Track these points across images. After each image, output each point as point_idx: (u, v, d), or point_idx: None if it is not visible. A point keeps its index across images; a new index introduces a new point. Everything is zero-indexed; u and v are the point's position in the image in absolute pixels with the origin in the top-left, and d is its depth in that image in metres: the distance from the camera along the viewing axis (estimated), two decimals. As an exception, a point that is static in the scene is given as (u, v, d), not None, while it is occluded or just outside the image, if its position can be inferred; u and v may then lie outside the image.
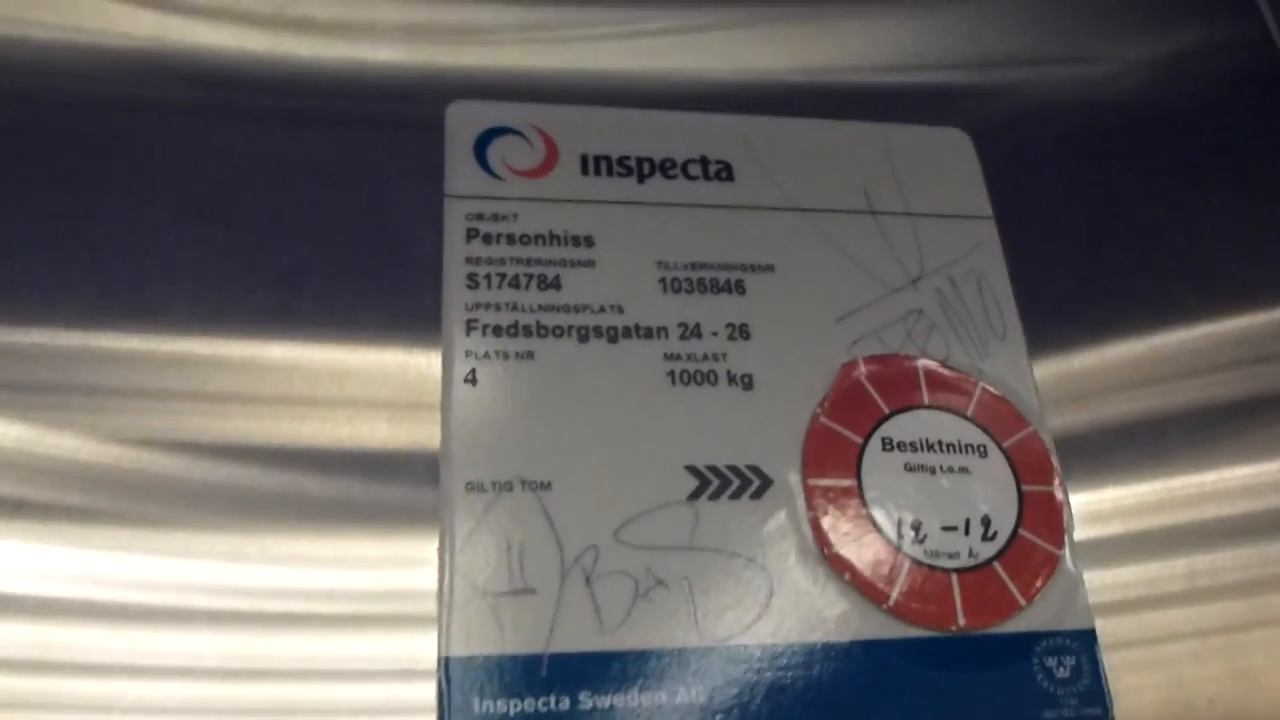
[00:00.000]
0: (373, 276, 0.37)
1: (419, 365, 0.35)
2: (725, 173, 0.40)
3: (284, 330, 0.35)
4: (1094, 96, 0.47)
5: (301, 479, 0.33)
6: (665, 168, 0.40)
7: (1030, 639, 0.34)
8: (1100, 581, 0.36)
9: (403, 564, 0.33)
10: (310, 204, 0.38)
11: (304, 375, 0.35)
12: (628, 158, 0.40)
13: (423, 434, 0.34)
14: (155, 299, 0.35)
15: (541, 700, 0.31)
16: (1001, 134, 0.44)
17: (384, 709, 0.31)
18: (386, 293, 0.36)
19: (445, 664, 0.31)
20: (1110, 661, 0.34)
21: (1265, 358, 0.42)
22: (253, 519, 0.33)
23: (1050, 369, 0.39)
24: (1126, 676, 0.34)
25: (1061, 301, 0.41)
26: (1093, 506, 0.37)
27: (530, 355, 0.36)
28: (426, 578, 0.32)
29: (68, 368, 0.34)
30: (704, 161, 0.40)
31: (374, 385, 0.35)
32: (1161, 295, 0.42)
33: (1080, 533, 0.36)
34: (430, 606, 0.32)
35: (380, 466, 0.34)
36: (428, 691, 0.31)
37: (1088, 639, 0.34)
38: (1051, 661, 0.34)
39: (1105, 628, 0.35)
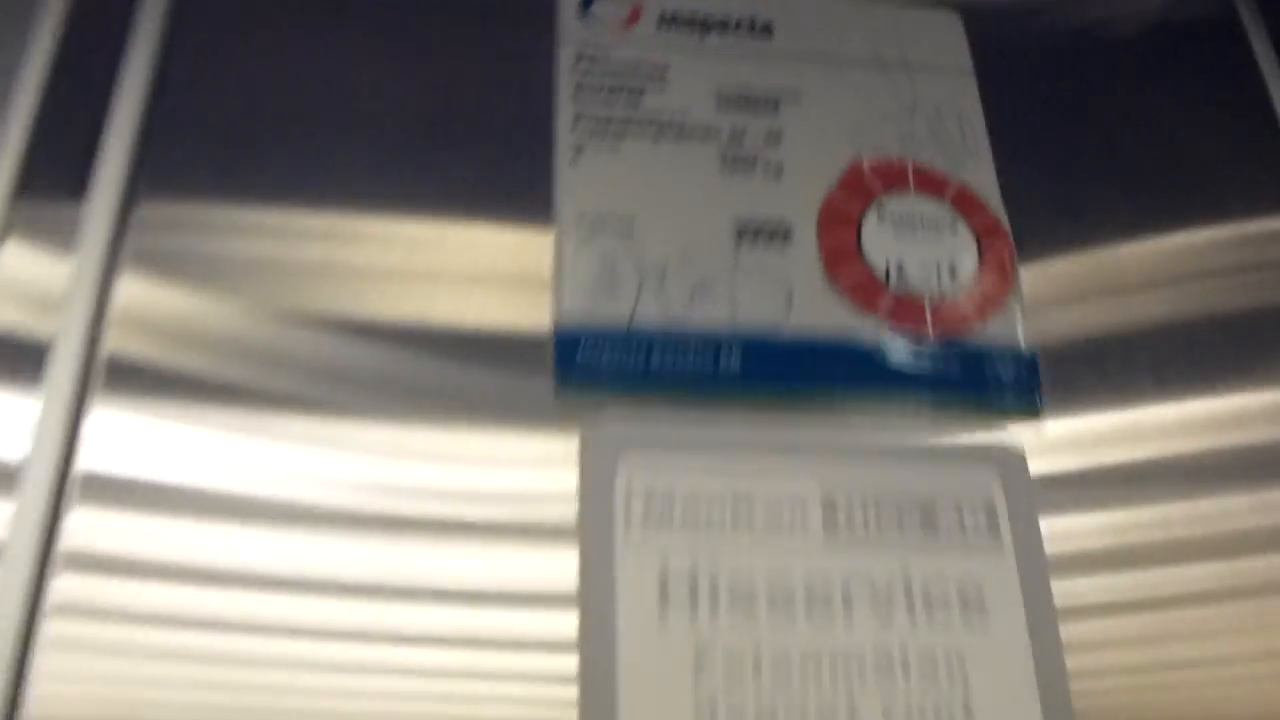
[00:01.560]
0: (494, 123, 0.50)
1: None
2: (767, 30, 0.53)
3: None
4: (1086, 15, 0.59)
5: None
6: (723, 23, 0.53)
7: (983, 350, 0.46)
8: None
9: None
10: (445, 70, 0.51)
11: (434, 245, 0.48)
12: (695, 14, 0.53)
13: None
14: (298, 172, 0.46)
15: (624, 357, 0.43)
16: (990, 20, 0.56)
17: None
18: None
19: (557, 331, 0.44)
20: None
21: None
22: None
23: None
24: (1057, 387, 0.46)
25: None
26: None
27: (617, 149, 0.49)
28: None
29: (214, 239, 0.44)
30: (752, 21, 0.53)
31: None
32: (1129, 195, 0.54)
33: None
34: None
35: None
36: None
37: (1030, 356, 0.46)
38: (999, 366, 0.46)
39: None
